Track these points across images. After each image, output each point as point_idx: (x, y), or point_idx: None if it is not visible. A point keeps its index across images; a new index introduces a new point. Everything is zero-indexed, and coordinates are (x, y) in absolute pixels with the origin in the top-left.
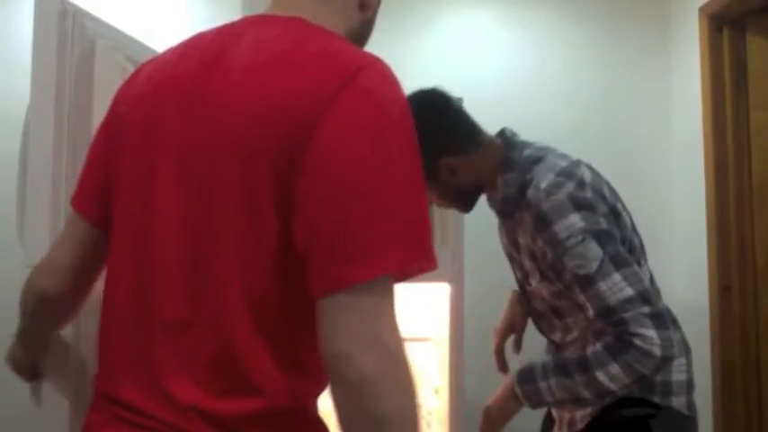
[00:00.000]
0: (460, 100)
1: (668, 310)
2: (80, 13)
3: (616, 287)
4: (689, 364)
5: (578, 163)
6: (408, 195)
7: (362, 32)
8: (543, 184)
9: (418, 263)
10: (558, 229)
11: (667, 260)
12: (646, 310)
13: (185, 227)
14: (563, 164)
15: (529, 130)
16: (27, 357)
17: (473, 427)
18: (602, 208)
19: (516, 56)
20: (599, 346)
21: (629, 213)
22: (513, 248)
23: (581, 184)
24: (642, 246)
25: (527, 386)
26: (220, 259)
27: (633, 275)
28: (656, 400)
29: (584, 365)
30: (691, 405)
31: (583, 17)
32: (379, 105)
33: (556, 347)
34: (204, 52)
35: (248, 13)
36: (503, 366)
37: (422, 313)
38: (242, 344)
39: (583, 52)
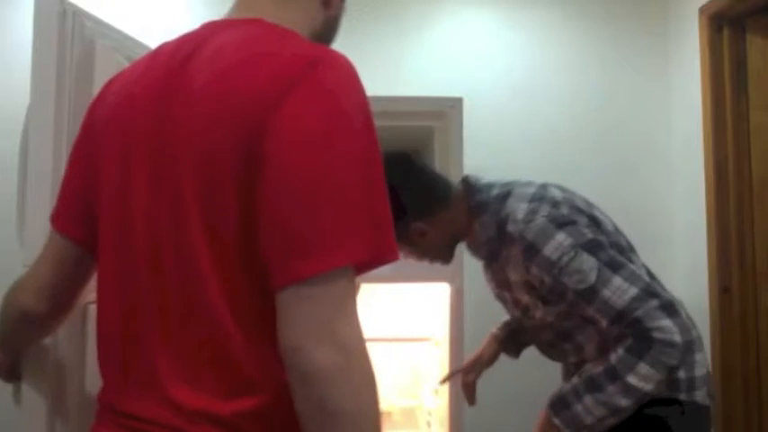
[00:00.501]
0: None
1: (679, 303)
2: (80, 13)
3: (620, 290)
4: (705, 358)
5: (546, 186)
6: (366, 186)
7: (327, 31)
8: (520, 215)
9: (378, 254)
10: (549, 252)
11: (667, 260)
12: (655, 303)
13: (159, 236)
14: (531, 191)
15: (528, 131)
16: (4, 360)
17: (473, 427)
18: (583, 219)
19: (516, 56)
20: (621, 351)
21: (608, 217)
22: (504, 290)
23: (555, 204)
24: (630, 244)
25: (563, 413)
26: (198, 261)
27: (632, 275)
28: (683, 397)
29: (613, 374)
30: (711, 394)
31: (583, 17)
32: (336, 98)
33: (575, 367)
34: (169, 62)
35: None
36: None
37: (422, 313)
38: (233, 341)
39: (583, 52)
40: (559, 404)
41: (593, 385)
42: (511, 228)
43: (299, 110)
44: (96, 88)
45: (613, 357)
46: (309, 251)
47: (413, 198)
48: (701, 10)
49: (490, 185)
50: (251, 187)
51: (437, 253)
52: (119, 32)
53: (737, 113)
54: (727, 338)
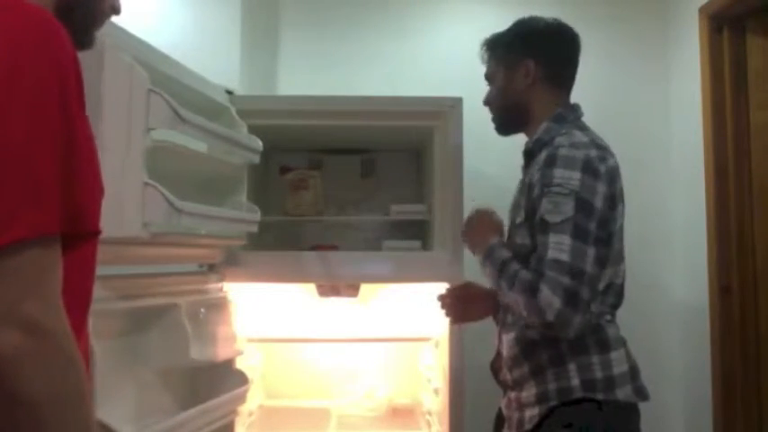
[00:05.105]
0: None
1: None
2: None
3: (558, 247)
4: (628, 354)
5: (611, 152)
6: (30, 150)
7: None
8: (573, 139)
9: (72, 221)
10: (557, 174)
11: (667, 260)
12: (566, 281)
13: None
14: (599, 142)
15: None
16: None
17: (473, 427)
18: (603, 188)
19: None
20: (530, 274)
21: (622, 222)
22: (514, 216)
23: (602, 159)
24: (621, 253)
25: (489, 256)
26: None
27: (579, 250)
28: (600, 396)
29: (513, 280)
30: (639, 390)
31: (582, 17)
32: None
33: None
34: None
35: (248, 13)
36: None
37: (422, 313)
38: None
39: (582, 53)
40: (491, 252)
41: (503, 267)
42: (558, 140)
43: None
44: (104, 87)
45: (524, 273)
46: None
47: (549, 49)
48: (701, 10)
49: (582, 121)
50: None
51: (507, 106)
52: (124, 32)
53: (737, 113)
54: (727, 338)
